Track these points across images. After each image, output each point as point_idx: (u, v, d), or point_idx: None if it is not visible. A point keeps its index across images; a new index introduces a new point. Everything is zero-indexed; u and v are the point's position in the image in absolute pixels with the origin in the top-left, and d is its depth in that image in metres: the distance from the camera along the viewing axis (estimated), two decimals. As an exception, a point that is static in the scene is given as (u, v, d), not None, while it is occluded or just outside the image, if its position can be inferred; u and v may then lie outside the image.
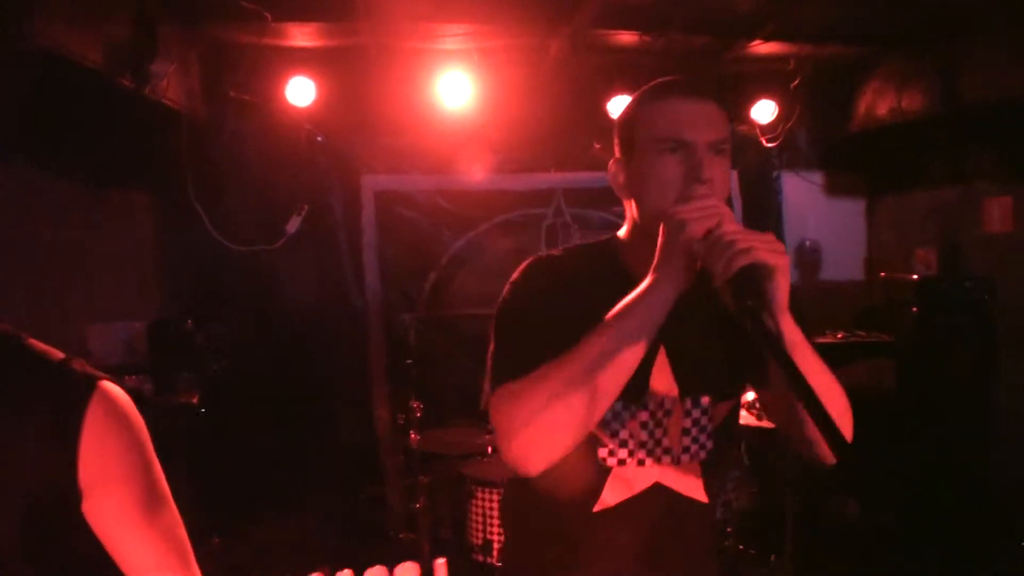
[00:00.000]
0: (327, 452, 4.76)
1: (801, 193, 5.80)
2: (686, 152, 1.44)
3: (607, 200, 5.31)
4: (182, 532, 1.29)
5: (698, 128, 1.44)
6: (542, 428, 1.35)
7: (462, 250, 5.19)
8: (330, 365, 4.94)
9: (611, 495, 1.57)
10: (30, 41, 2.82)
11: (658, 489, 1.58)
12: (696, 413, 1.58)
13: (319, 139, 4.84)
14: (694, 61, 4.84)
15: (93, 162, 3.59)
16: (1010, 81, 4.19)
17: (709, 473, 1.62)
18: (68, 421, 1.18)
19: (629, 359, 1.35)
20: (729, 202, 1.45)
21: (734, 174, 5.55)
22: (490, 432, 3.93)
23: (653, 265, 1.38)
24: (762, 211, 5.79)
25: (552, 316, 1.45)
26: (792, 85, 5.15)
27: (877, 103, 5.12)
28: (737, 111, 5.25)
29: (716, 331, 1.51)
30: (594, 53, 4.72)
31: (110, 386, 1.24)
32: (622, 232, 1.61)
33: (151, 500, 1.25)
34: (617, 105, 4.80)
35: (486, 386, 1.48)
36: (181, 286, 4.58)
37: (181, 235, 4.52)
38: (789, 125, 5.31)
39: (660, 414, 1.56)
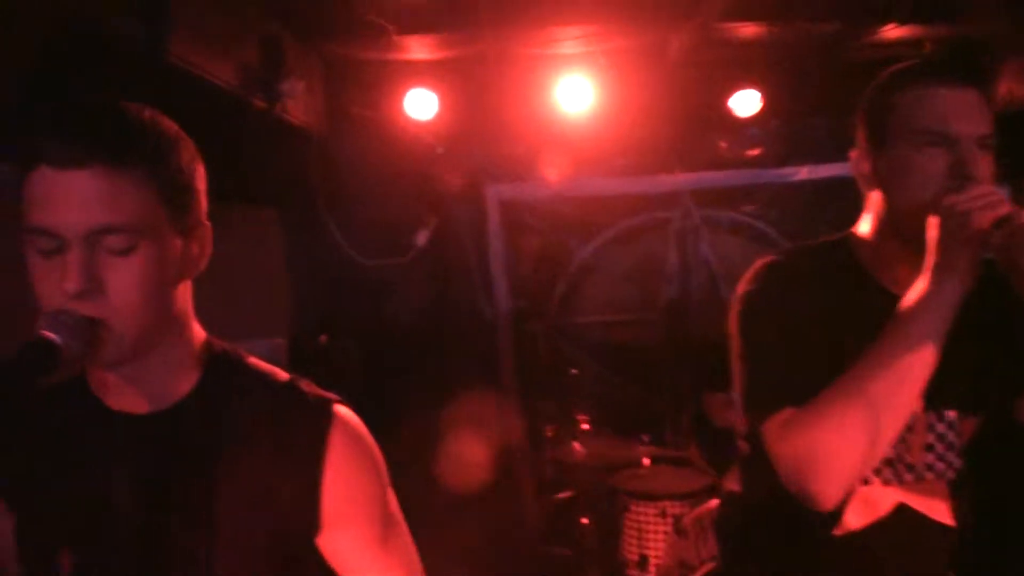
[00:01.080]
0: (462, 466, 4.70)
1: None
2: (950, 146, 1.29)
3: (737, 199, 5.12)
4: (414, 553, 1.31)
5: (964, 120, 1.30)
6: (846, 461, 1.24)
7: (590, 257, 5.08)
8: (459, 375, 4.89)
9: (854, 518, 1.44)
10: (166, 60, 2.86)
11: (902, 511, 1.44)
12: (941, 428, 1.44)
13: (440, 151, 4.82)
14: (821, 50, 4.61)
15: (224, 181, 3.65)
16: None
17: (959, 495, 1.47)
18: (311, 452, 1.17)
19: (922, 371, 1.24)
20: None
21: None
22: (644, 443, 3.78)
23: (931, 264, 1.25)
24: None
25: (801, 327, 1.35)
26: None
27: (1019, 83, 4.75)
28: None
29: (967, 337, 1.34)
30: (715, 48, 4.55)
31: (344, 410, 1.24)
32: (863, 229, 1.47)
33: (387, 527, 1.25)
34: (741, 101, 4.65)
35: (745, 406, 1.41)
36: (311, 302, 4.63)
37: (311, 251, 4.58)
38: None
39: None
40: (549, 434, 4.09)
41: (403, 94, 4.53)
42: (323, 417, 1.20)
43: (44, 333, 1.02)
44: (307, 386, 1.25)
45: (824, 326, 1.32)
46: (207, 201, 1.24)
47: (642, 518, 3.46)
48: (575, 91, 4.55)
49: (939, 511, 1.45)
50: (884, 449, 1.26)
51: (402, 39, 4.15)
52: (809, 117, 4.96)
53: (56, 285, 1.05)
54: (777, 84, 4.67)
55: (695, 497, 3.52)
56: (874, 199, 1.44)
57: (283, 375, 1.26)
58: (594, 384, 4.84)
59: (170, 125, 1.15)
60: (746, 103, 4.69)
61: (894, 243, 1.37)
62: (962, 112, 1.29)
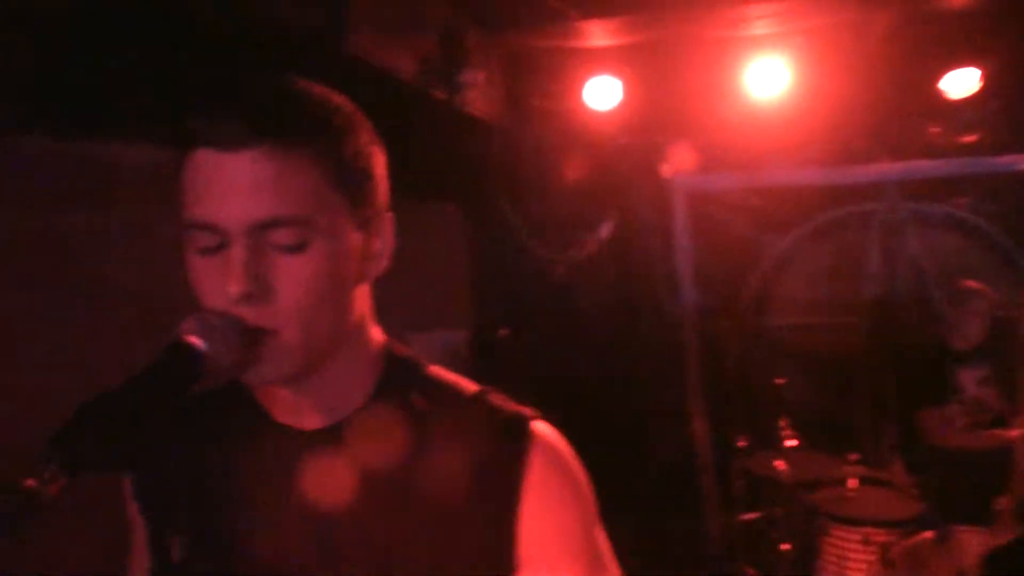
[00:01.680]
0: (638, 469, 4.50)
1: None
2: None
3: (950, 191, 4.63)
4: None
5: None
6: None
7: (785, 253, 4.73)
8: (643, 376, 4.69)
9: None
10: (345, 51, 2.82)
11: None
12: None
13: (623, 141, 4.63)
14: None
15: (405, 174, 3.62)
16: None
17: None
18: (505, 479, 0.99)
19: None
20: None
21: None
22: (851, 463, 3.42)
23: None
24: None
25: None
26: None
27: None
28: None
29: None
30: (927, 22, 4.13)
31: (545, 428, 1.04)
32: None
33: (595, 571, 1.05)
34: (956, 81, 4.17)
35: None
36: (492, 295, 4.56)
37: (492, 245, 4.52)
38: None
39: None
40: (741, 444, 3.78)
41: (585, 83, 4.38)
42: (520, 437, 1.01)
43: (187, 338, 0.89)
44: (499, 399, 1.07)
45: None
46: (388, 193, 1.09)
47: (843, 544, 3.12)
48: (767, 74, 4.27)
49: None
50: None
51: (583, 24, 4.00)
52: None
53: (218, 288, 0.92)
54: (997, 61, 4.18)
55: (904, 526, 3.15)
56: None
57: (470, 386, 1.09)
58: (789, 393, 4.50)
59: (345, 101, 1.00)
60: (961, 83, 4.23)
61: None
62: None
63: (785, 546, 3.51)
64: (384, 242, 1.06)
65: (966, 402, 3.60)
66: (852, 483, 3.37)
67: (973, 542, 2.99)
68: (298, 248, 0.92)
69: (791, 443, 3.44)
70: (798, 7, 3.94)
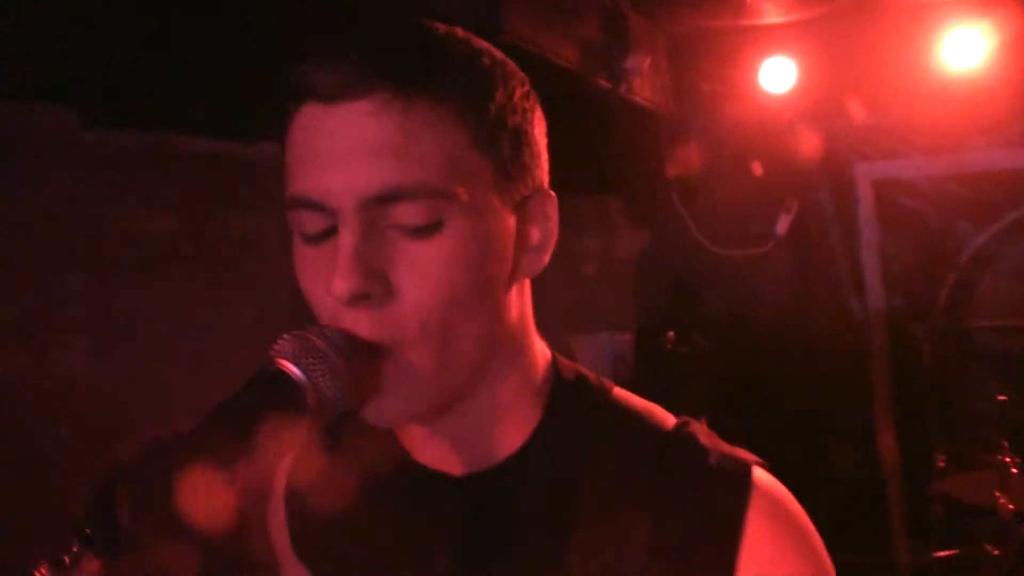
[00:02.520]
0: (814, 492, 4.12)
1: None
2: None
3: None
4: None
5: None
6: None
7: (987, 246, 4.24)
8: (821, 384, 4.32)
9: None
10: (500, 37, 2.67)
11: None
12: None
13: (800, 126, 4.29)
14: None
15: (566, 166, 3.48)
16: None
17: None
18: (721, 541, 0.77)
19: None
20: None
21: None
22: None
23: None
24: None
25: None
26: None
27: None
28: None
29: None
30: None
31: (767, 478, 0.82)
32: None
33: None
34: None
35: None
36: (659, 295, 4.37)
37: (659, 240, 4.33)
38: None
39: None
40: (940, 465, 3.36)
41: (758, 64, 4.14)
42: (739, 488, 0.78)
43: (280, 363, 0.68)
44: (705, 436, 0.84)
45: None
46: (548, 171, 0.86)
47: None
48: (965, 44, 3.92)
49: None
50: None
51: (755, 1, 3.73)
52: None
53: (323, 289, 0.71)
54: None
55: None
56: None
57: (666, 418, 0.86)
58: (981, 402, 4.03)
59: (492, 48, 0.78)
60: None
61: None
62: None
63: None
64: (545, 231, 0.83)
65: None
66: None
67: None
68: (430, 230, 0.70)
69: (1014, 470, 2.97)
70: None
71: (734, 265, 4.39)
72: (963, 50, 3.89)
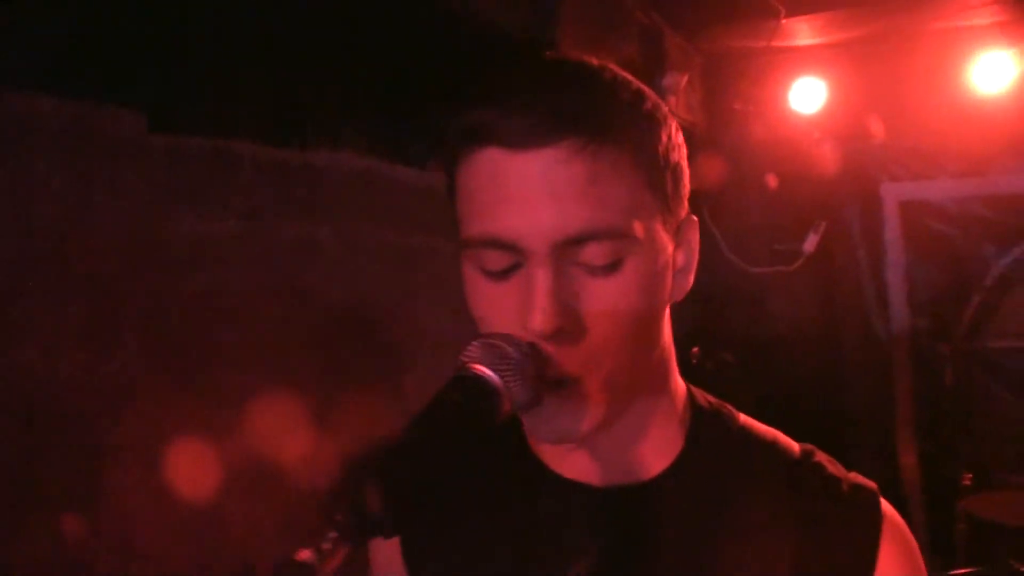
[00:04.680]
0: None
1: None
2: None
3: None
4: None
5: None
6: None
7: (1011, 268, 4.27)
8: (845, 402, 4.34)
9: None
10: (553, 53, 2.72)
11: None
12: None
13: (829, 146, 4.33)
14: None
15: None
16: None
17: None
18: (856, 567, 0.84)
19: None
20: None
21: None
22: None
23: None
24: None
25: None
26: None
27: None
28: None
29: None
30: None
31: (888, 505, 0.89)
32: None
33: None
34: None
35: None
36: (687, 309, 4.36)
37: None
38: None
39: None
40: (966, 483, 3.39)
41: (788, 85, 4.19)
42: (871, 516, 0.85)
43: (476, 369, 0.72)
44: (830, 463, 0.91)
45: None
46: None
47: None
48: (993, 68, 3.95)
49: None
50: None
51: (789, 23, 3.77)
52: None
53: (513, 320, 0.75)
54: None
55: None
56: None
57: (791, 444, 0.92)
58: (1003, 424, 4.06)
59: (646, 88, 0.83)
60: None
61: None
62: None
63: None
64: (689, 253, 0.88)
65: None
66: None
67: None
68: (613, 268, 0.75)
69: None
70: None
71: (761, 282, 4.41)
72: (992, 74, 3.93)
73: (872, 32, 3.96)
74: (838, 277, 4.49)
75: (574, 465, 0.88)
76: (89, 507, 1.93)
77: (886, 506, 0.88)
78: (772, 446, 0.91)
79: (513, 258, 0.75)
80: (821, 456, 0.91)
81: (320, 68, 2.49)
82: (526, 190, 0.73)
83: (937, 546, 3.50)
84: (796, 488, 0.87)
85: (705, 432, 0.90)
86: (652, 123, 0.80)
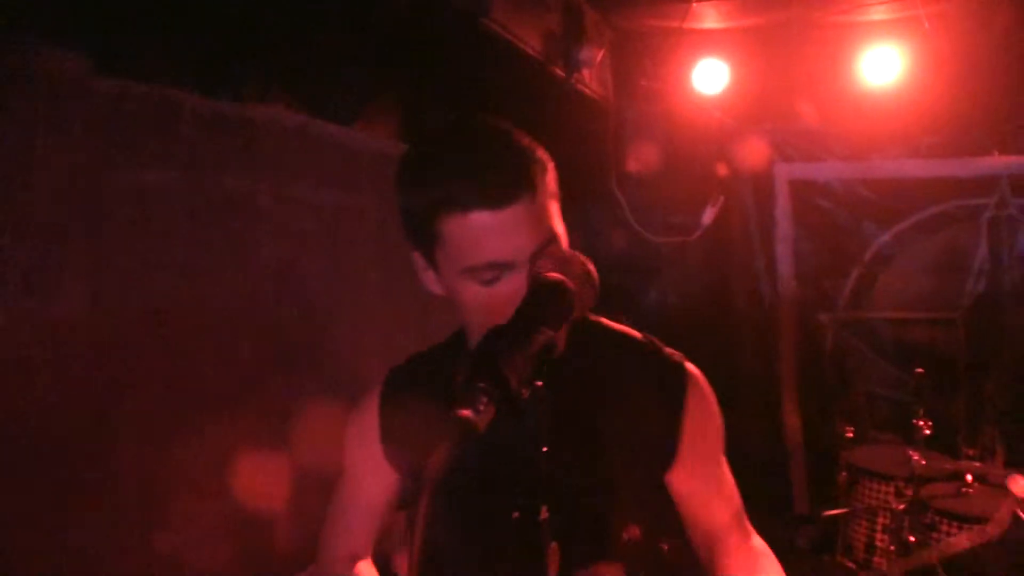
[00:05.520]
0: (731, 458, 4.45)
1: None
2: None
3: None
4: (738, 497, 1.45)
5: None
6: None
7: (888, 245, 4.63)
8: (735, 365, 4.63)
9: None
10: (488, 23, 2.82)
11: None
12: None
13: (728, 126, 4.57)
14: None
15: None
16: None
17: None
18: (674, 401, 1.33)
19: None
20: None
21: None
22: (968, 458, 3.34)
23: None
24: None
25: None
26: None
27: None
28: None
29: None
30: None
31: (694, 368, 1.38)
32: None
33: (721, 471, 1.41)
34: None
35: None
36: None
37: (598, 226, 4.49)
38: None
39: None
40: (849, 435, 3.71)
41: (693, 66, 4.32)
42: (681, 371, 1.35)
43: (553, 275, 1.07)
44: (660, 344, 1.38)
45: None
46: None
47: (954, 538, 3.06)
48: (882, 62, 4.18)
49: None
50: None
51: (698, 5, 3.94)
52: None
53: (507, 305, 1.08)
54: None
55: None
56: None
57: (637, 334, 1.39)
58: (875, 384, 4.44)
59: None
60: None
61: None
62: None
63: (883, 540, 3.45)
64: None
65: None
66: (970, 478, 3.29)
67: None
68: None
69: (927, 432, 3.34)
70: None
71: (664, 251, 4.63)
72: (880, 67, 4.15)
73: (774, 20, 4.14)
74: (732, 248, 4.76)
75: None
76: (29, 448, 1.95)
77: (691, 367, 1.36)
78: (626, 335, 1.39)
79: (503, 270, 1.16)
80: (654, 339, 1.39)
81: (252, 21, 2.50)
82: (508, 230, 1.14)
83: (820, 492, 3.83)
84: (642, 360, 1.34)
85: (583, 328, 1.31)
86: (547, 160, 1.22)
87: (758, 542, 1.45)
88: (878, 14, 4.09)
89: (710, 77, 4.33)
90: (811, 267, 4.73)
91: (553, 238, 1.17)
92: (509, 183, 1.13)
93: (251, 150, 2.58)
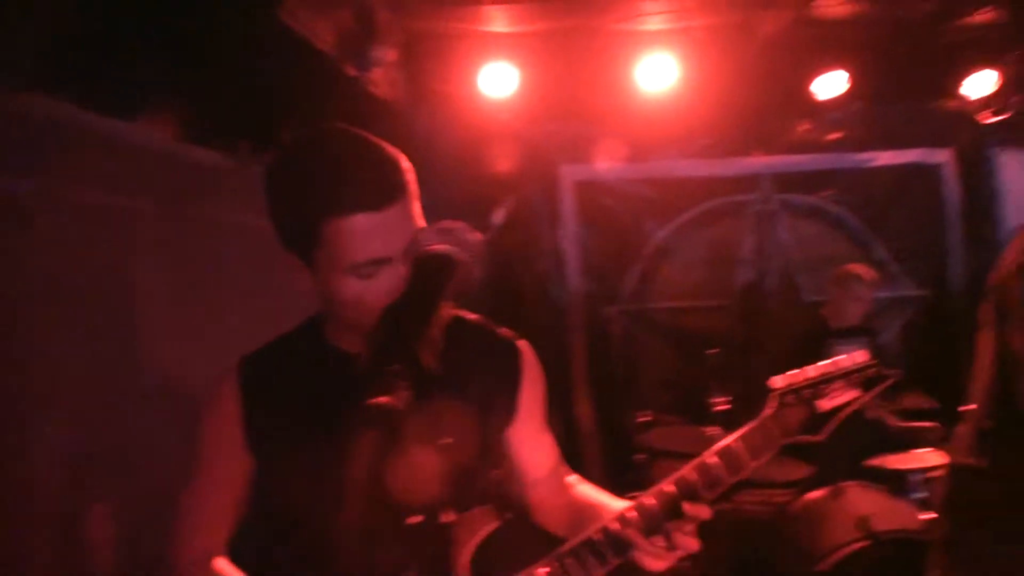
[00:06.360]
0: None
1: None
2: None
3: (817, 184, 4.99)
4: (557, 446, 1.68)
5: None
6: None
7: (666, 240, 4.93)
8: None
9: None
10: (282, 14, 2.75)
11: None
12: None
13: (516, 128, 4.67)
14: (912, 31, 4.46)
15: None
16: None
17: None
18: (513, 372, 1.56)
19: None
20: None
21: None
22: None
23: None
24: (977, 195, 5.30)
25: None
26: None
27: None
28: (948, 85, 4.80)
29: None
30: (806, 27, 4.40)
31: (526, 345, 1.61)
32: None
33: (545, 424, 1.64)
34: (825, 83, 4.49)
35: None
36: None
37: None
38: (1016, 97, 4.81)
39: None
40: (644, 419, 3.92)
41: (481, 68, 4.33)
42: (516, 347, 1.58)
43: (437, 247, 1.27)
44: (494, 324, 1.60)
45: None
46: None
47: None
48: (658, 69, 4.36)
49: None
50: None
51: (487, 9, 3.99)
52: (892, 101, 4.80)
53: (384, 296, 1.27)
54: (864, 66, 4.49)
55: (797, 486, 3.47)
56: None
57: (473, 315, 1.58)
58: (658, 370, 4.71)
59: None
60: (828, 86, 4.51)
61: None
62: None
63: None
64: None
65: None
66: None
67: (863, 495, 3.29)
68: None
69: (722, 407, 3.59)
70: (691, 6, 4.08)
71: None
72: (657, 74, 4.32)
73: (560, 26, 4.23)
74: (523, 247, 4.87)
75: (351, 339, 1.41)
76: None
77: (525, 346, 1.58)
78: (463, 316, 1.55)
79: (381, 265, 1.29)
80: (490, 320, 1.58)
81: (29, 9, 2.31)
82: (387, 230, 1.29)
83: (616, 477, 4.00)
84: (481, 338, 1.55)
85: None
86: (409, 165, 1.36)
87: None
88: (654, 24, 4.31)
89: (498, 80, 4.33)
90: (597, 263, 4.95)
91: (421, 232, 1.34)
92: (385, 187, 1.27)
93: (17, 147, 2.36)
